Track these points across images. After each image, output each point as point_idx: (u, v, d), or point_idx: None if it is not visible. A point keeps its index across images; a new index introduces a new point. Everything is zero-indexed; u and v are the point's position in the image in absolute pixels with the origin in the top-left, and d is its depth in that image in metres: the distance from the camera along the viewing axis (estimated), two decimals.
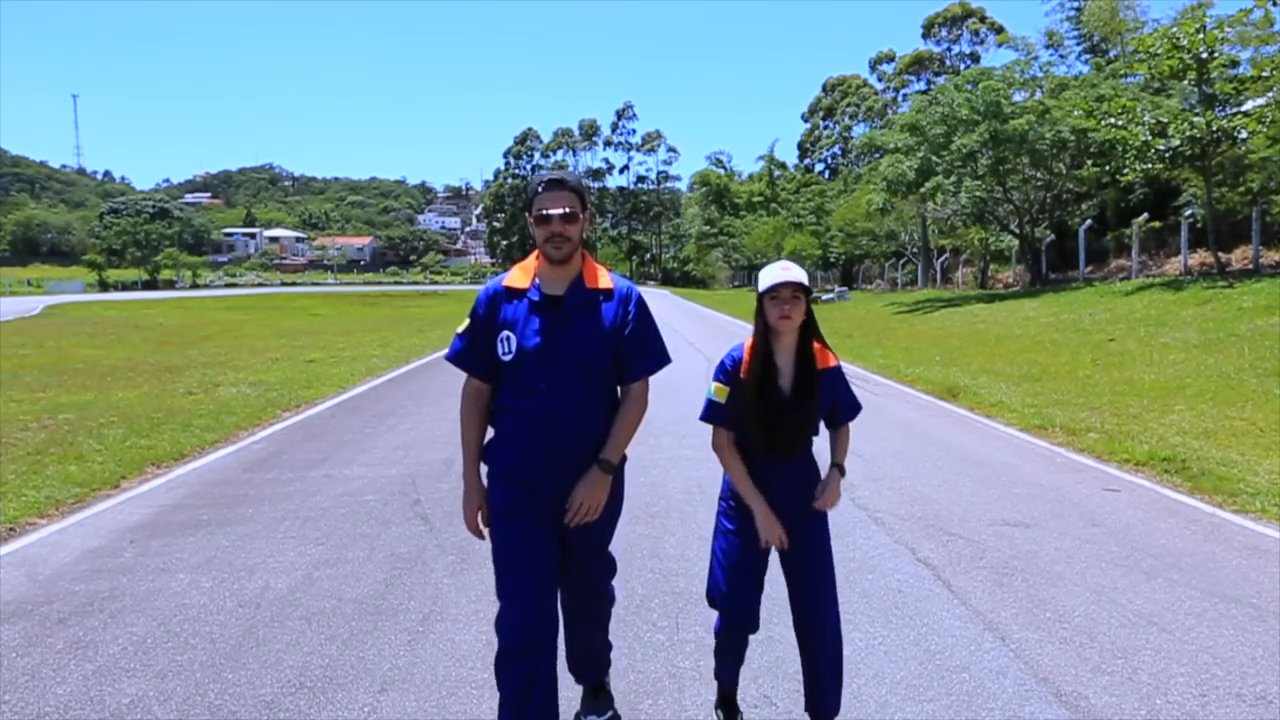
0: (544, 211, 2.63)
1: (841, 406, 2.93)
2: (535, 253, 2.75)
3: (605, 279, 2.75)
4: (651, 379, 2.81)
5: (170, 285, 76.07)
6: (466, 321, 2.74)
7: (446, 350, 2.81)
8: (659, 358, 2.80)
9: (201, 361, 15.72)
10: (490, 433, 2.80)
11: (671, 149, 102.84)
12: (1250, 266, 20.01)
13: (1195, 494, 6.14)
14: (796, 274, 2.73)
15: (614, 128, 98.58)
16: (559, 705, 2.62)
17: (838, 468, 2.91)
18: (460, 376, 2.81)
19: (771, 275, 2.74)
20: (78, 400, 10.89)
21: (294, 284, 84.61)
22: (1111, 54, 36.18)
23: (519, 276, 2.73)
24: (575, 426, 2.65)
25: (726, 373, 2.82)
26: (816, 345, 2.83)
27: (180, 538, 5.32)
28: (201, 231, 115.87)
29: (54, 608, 4.22)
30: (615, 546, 2.92)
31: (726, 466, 2.86)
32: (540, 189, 2.66)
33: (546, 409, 2.62)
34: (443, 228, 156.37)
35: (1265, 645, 3.67)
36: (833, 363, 2.86)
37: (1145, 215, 26.06)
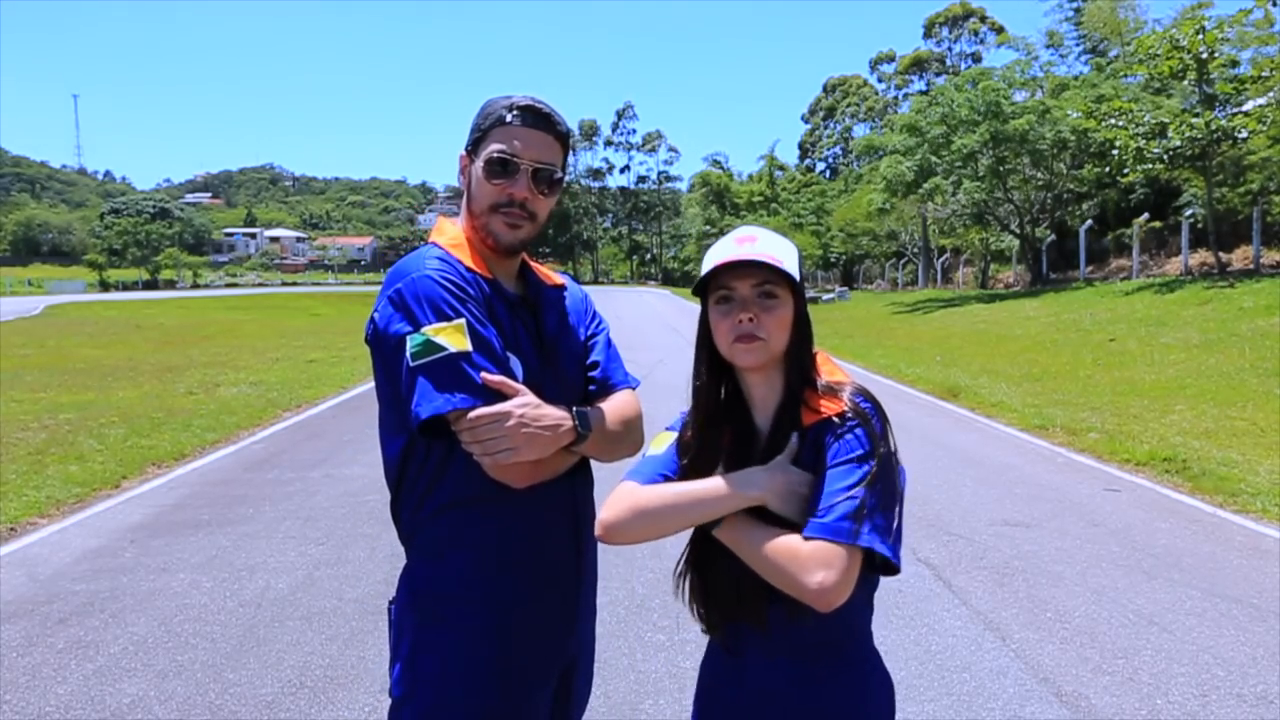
0: (511, 156, 1.52)
1: (832, 520, 1.30)
2: (455, 225, 1.62)
3: (553, 274, 1.76)
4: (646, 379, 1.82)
5: (171, 285, 76.09)
6: (446, 331, 1.43)
7: (434, 400, 1.41)
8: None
9: (202, 361, 15.72)
10: (423, 556, 1.57)
11: (672, 149, 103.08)
12: (1251, 266, 20.00)
13: (1196, 494, 6.13)
14: (766, 246, 1.40)
15: (614, 128, 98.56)
16: None
17: None
18: None
19: (721, 254, 1.40)
20: (78, 400, 10.89)
21: (294, 284, 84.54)
22: (1112, 54, 36.19)
23: (468, 256, 1.56)
24: (592, 512, 1.61)
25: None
26: (810, 387, 1.43)
27: (181, 538, 5.32)
28: (202, 231, 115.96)
29: (54, 607, 4.23)
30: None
31: (640, 516, 1.41)
32: (512, 117, 1.53)
33: (571, 488, 1.59)
34: None
35: (1266, 645, 3.67)
36: (840, 407, 1.39)
37: (1146, 215, 26.06)
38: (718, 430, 1.46)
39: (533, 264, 1.70)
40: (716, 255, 1.41)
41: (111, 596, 4.35)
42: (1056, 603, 4.17)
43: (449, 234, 1.60)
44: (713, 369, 1.47)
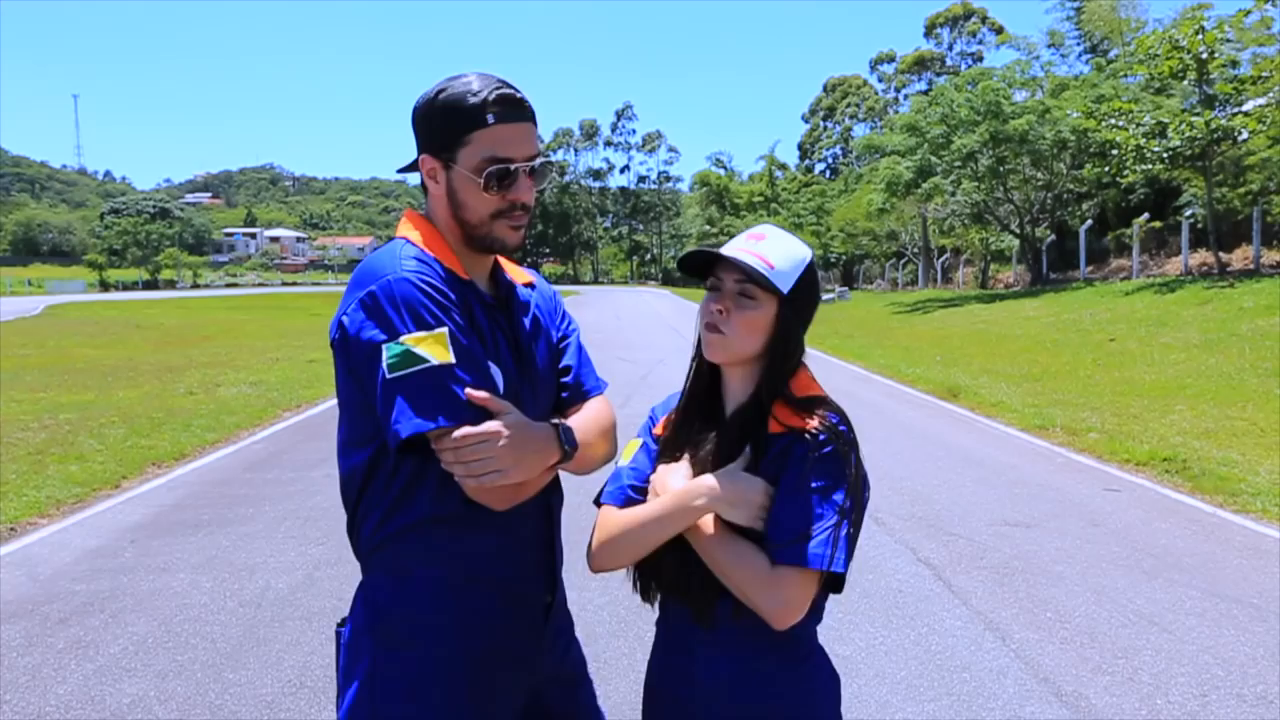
0: (508, 158, 1.39)
1: (777, 532, 1.32)
2: (425, 221, 1.48)
3: (521, 270, 1.64)
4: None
5: (171, 285, 76.08)
6: (426, 341, 1.31)
7: (414, 419, 1.30)
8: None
9: (202, 361, 15.71)
10: (389, 575, 1.57)
11: (672, 149, 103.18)
12: (1251, 267, 20.00)
13: (1196, 494, 6.13)
14: (767, 247, 1.39)
15: (614, 128, 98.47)
16: None
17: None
18: None
19: (727, 245, 1.44)
20: (78, 400, 10.89)
21: (295, 284, 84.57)
22: (1112, 54, 36.19)
23: (445, 255, 1.45)
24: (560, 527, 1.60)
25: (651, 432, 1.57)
26: (782, 398, 1.41)
27: (181, 538, 5.32)
28: (202, 231, 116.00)
29: (54, 607, 4.22)
30: None
31: (611, 547, 1.43)
32: (493, 116, 1.39)
33: (545, 503, 1.53)
34: None
35: (1266, 645, 3.67)
36: (814, 424, 1.36)
37: (1146, 215, 26.05)
38: (693, 417, 1.48)
39: (501, 261, 1.59)
40: (725, 246, 1.42)
41: (111, 596, 4.35)
42: (1056, 603, 4.17)
43: (421, 230, 1.47)
44: (695, 362, 1.50)
